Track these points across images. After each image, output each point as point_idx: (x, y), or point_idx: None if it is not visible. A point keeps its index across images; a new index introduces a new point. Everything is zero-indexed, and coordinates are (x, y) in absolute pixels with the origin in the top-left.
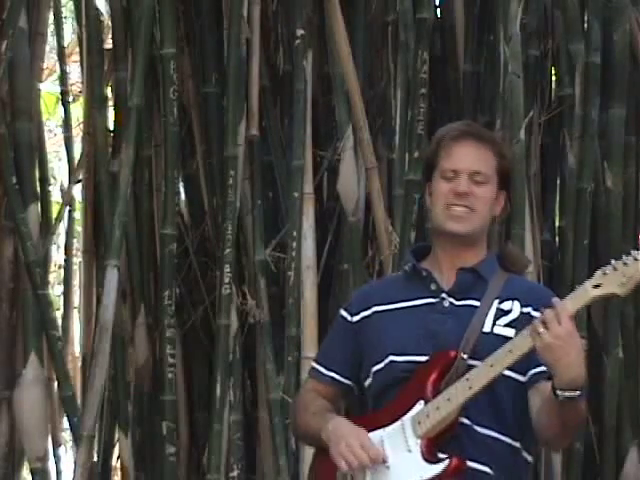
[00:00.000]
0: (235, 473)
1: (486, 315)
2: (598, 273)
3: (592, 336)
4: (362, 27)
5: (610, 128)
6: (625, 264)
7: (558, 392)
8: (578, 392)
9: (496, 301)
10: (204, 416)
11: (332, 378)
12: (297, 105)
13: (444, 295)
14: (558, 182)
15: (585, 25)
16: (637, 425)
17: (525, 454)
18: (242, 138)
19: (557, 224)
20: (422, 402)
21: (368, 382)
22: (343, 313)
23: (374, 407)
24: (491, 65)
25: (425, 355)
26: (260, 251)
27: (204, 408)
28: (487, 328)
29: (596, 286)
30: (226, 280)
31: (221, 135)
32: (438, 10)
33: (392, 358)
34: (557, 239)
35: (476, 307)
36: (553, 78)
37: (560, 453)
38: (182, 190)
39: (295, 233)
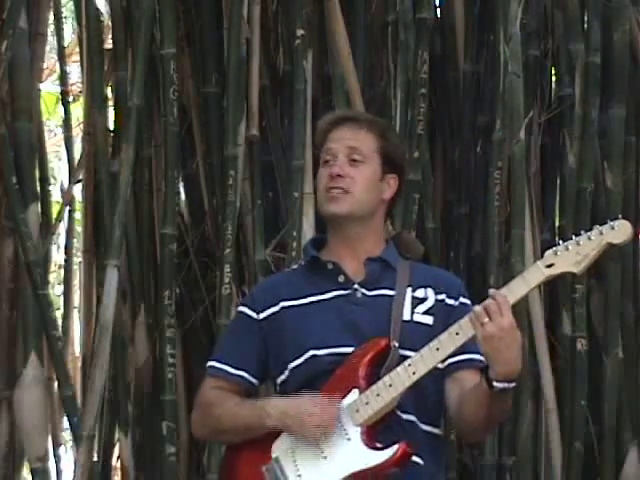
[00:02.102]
0: None
1: (403, 303)
2: (549, 253)
3: (592, 336)
4: (362, 27)
5: (610, 128)
6: (578, 243)
7: (494, 383)
8: (513, 384)
9: (409, 289)
10: None
11: (241, 377)
12: (297, 105)
13: (356, 286)
14: (558, 182)
15: (585, 25)
16: (637, 425)
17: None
18: (242, 138)
19: (557, 224)
20: (356, 391)
21: (283, 378)
22: (245, 310)
23: None
24: (491, 65)
25: (348, 346)
26: (260, 251)
27: None
28: (407, 316)
29: (549, 265)
30: (226, 280)
31: (221, 135)
32: (438, 10)
33: (313, 352)
34: (557, 239)
35: (389, 296)
36: (553, 78)
37: (560, 453)
38: (182, 190)
39: (295, 233)
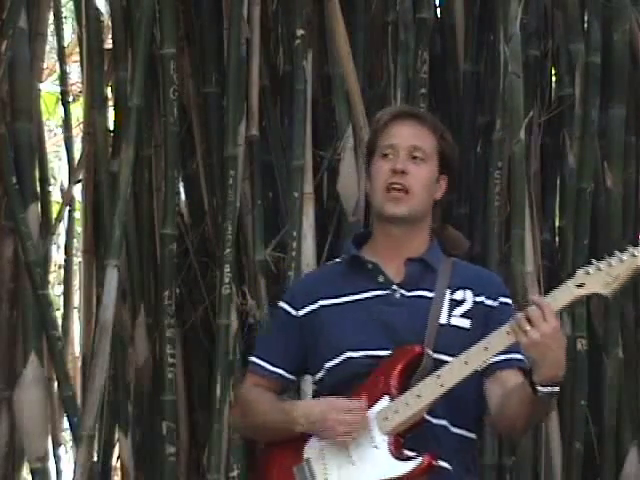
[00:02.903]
0: (235, 473)
1: (441, 307)
2: (580, 272)
3: (592, 336)
4: (362, 27)
5: (610, 128)
6: (610, 265)
7: (539, 388)
8: (558, 387)
9: (447, 291)
10: (204, 416)
11: (278, 374)
12: (297, 105)
13: (394, 287)
14: (558, 182)
15: (585, 25)
16: (637, 425)
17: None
18: (242, 138)
19: (557, 224)
20: (387, 398)
21: (319, 376)
22: (285, 307)
23: None
24: (491, 65)
25: (383, 349)
26: (260, 251)
27: (204, 408)
28: (443, 320)
29: (579, 285)
30: (226, 280)
31: (221, 135)
32: (438, 10)
33: (349, 354)
34: (557, 239)
35: (428, 298)
36: (553, 78)
37: (560, 453)
38: (182, 190)
39: (295, 233)
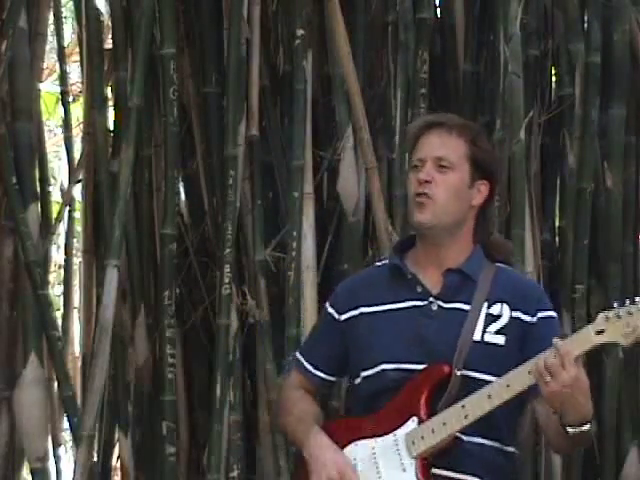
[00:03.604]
0: (235, 473)
1: (476, 322)
2: (600, 318)
3: None
4: (362, 27)
5: (610, 128)
6: (630, 313)
7: (568, 429)
8: (588, 425)
9: (485, 304)
10: (204, 416)
11: (319, 377)
12: (297, 105)
13: (432, 299)
14: (558, 182)
15: (585, 25)
16: (637, 425)
17: (515, 454)
18: (242, 138)
19: (557, 224)
20: (415, 419)
21: (357, 382)
22: (330, 310)
23: (363, 409)
24: (491, 65)
25: (415, 363)
26: (260, 251)
27: (204, 408)
28: (477, 336)
29: (599, 332)
30: (226, 280)
31: (221, 135)
32: (438, 10)
33: (384, 366)
34: (557, 239)
35: (464, 310)
36: (553, 78)
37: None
38: (182, 190)
39: (295, 233)
